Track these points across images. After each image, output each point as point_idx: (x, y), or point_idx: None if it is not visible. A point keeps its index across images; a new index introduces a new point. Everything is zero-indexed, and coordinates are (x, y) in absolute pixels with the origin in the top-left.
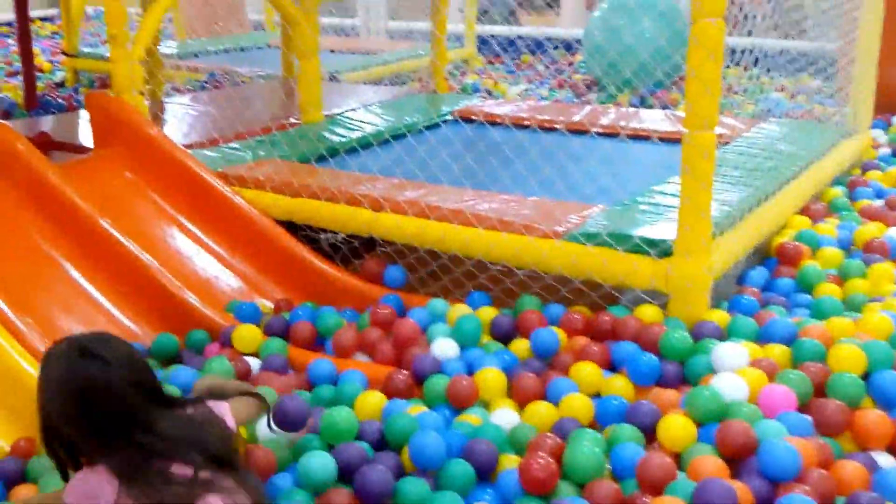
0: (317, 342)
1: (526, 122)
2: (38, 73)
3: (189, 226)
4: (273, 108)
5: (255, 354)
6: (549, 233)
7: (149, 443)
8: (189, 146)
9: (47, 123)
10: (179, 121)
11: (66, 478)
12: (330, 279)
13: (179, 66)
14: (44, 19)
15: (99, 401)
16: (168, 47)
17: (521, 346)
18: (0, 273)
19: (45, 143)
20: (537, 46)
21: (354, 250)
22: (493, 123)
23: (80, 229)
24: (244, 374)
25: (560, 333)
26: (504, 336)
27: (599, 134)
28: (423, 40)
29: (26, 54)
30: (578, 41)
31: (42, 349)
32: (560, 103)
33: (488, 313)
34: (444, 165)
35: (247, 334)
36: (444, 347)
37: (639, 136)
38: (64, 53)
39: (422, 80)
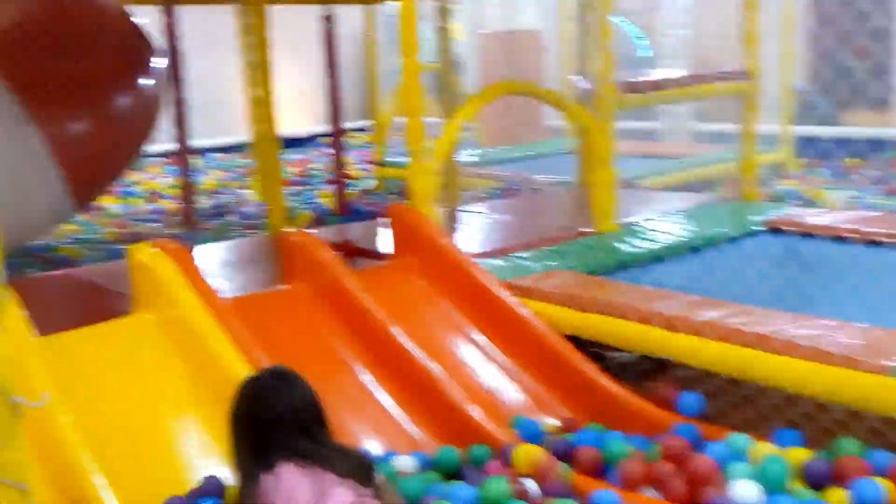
0: (602, 469)
1: (850, 236)
2: (350, 181)
3: (476, 336)
4: (566, 216)
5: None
6: (875, 367)
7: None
8: (480, 255)
9: (353, 230)
10: (473, 229)
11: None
12: (618, 401)
13: (479, 173)
14: (357, 130)
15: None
16: (469, 155)
17: (837, 496)
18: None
19: (349, 250)
20: (868, 148)
21: (646, 371)
22: (811, 236)
23: (373, 335)
24: (522, 497)
25: (887, 485)
26: (817, 483)
27: None
28: (733, 143)
29: (338, 164)
30: None
31: None
32: (894, 214)
33: (799, 455)
34: (751, 283)
35: (528, 454)
36: (746, 490)
37: None
38: (372, 162)
39: (729, 186)
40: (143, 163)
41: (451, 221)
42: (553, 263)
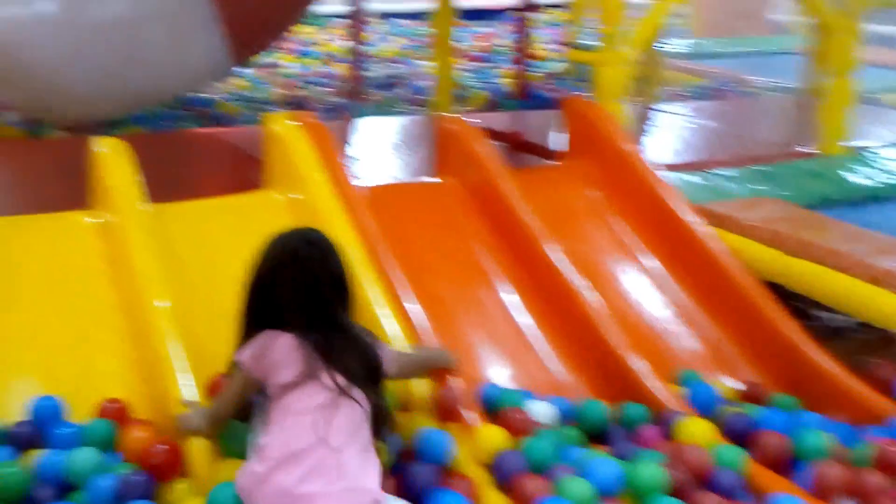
0: (788, 463)
1: None
2: (536, 62)
3: (651, 265)
4: (783, 130)
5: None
6: None
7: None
8: (672, 167)
9: (528, 119)
10: (668, 134)
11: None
12: (823, 374)
13: (685, 67)
14: (553, 6)
15: (312, 279)
16: (676, 45)
17: None
18: (427, 278)
19: (515, 143)
20: None
21: (865, 343)
22: None
23: (523, 249)
24: (681, 490)
25: None
26: None
27: None
28: None
29: (524, 41)
30: None
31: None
32: None
33: None
34: None
35: (696, 431)
36: None
37: None
38: (564, 43)
39: None
40: (327, 22)
41: (642, 122)
42: (761, 188)
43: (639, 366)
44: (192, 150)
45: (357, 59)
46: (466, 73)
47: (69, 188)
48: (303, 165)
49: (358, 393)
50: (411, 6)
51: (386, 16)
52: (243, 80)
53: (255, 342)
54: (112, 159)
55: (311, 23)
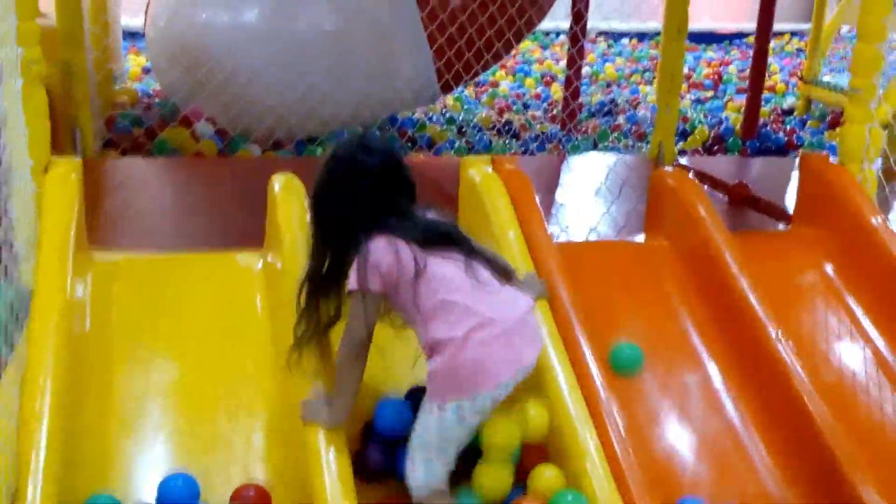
0: None
1: None
2: (769, 95)
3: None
4: None
5: None
6: None
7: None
8: None
9: (754, 167)
10: None
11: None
12: None
13: None
14: (794, 34)
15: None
16: None
17: None
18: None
19: (740, 198)
20: None
21: None
22: None
23: (740, 333)
24: None
25: None
26: None
27: None
28: None
29: (756, 73)
30: None
31: None
32: None
33: None
34: None
35: None
36: None
37: None
38: (801, 78)
39: None
40: (550, 40)
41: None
42: None
43: (873, 499)
44: None
45: (573, 81)
46: (691, 103)
47: (251, 216)
48: (495, 219)
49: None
50: (638, 25)
51: (610, 35)
52: (453, 98)
53: (356, 266)
54: (284, 199)
55: (533, 38)
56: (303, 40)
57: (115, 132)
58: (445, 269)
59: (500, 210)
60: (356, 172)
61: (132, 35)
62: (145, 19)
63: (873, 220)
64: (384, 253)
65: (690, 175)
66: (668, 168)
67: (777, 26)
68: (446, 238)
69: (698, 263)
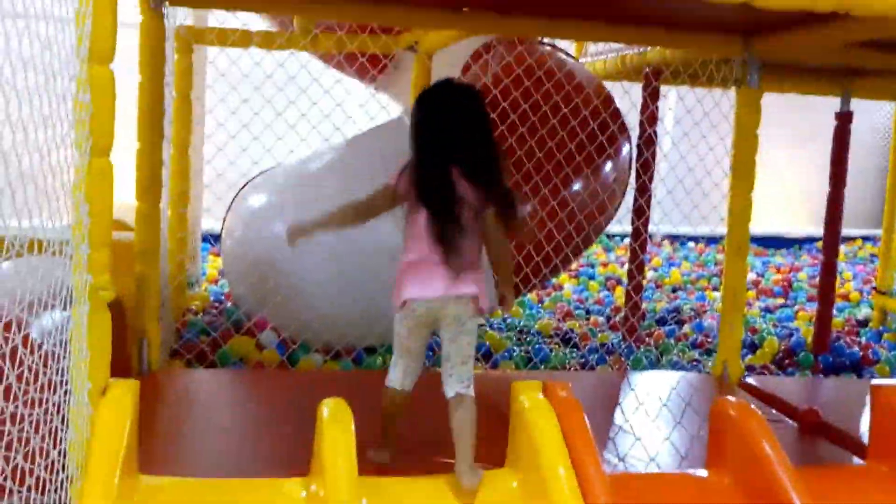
0: None
1: None
2: (842, 304)
3: None
4: None
5: None
6: None
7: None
8: None
9: (827, 388)
10: None
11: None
12: None
13: None
14: (866, 239)
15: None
16: None
17: None
18: None
19: (811, 426)
20: None
21: None
22: None
23: None
24: None
25: None
26: None
27: None
28: None
29: (826, 283)
30: None
31: None
32: None
33: None
34: None
35: None
36: None
37: None
38: (874, 288)
39: None
40: (615, 243)
41: None
42: None
43: None
44: (438, 397)
45: (636, 287)
46: (760, 312)
47: (303, 434)
48: (544, 451)
49: (468, 220)
50: (703, 229)
51: (676, 238)
52: (516, 303)
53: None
54: (330, 428)
55: (598, 241)
56: (366, 256)
57: (182, 342)
58: (417, 235)
59: (549, 442)
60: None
61: (216, 238)
62: (222, 227)
63: None
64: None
65: (753, 405)
66: (731, 398)
67: (847, 231)
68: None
69: (762, 500)
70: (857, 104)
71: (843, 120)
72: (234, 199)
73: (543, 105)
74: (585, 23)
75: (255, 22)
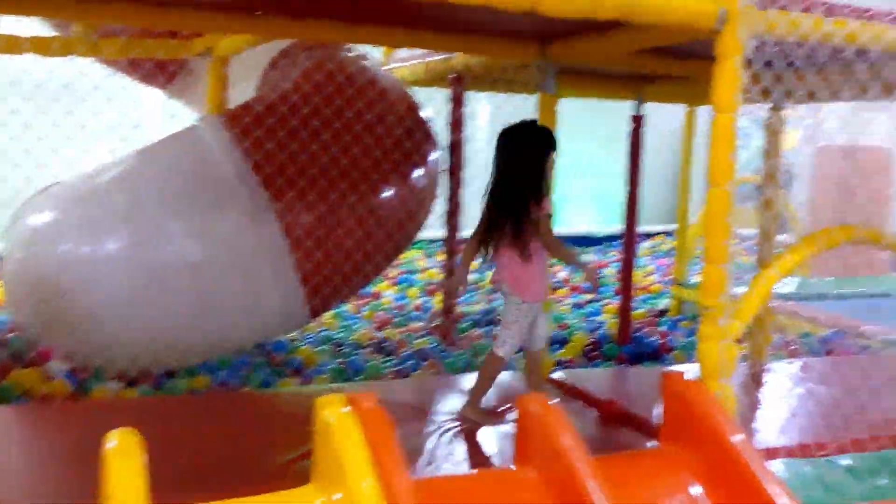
0: None
1: None
2: (646, 296)
3: None
4: None
5: None
6: None
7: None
8: (789, 451)
9: (628, 376)
10: (778, 402)
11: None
12: None
13: (796, 311)
14: (668, 234)
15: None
16: (785, 284)
17: None
18: None
19: (610, 414)
20: None
21: None
22: None
23: None
24: None
25: None
26: None
27: None
28: None
29: (626, 276)
30: None
31: None
32: None
33: None
34: None
35: None
36: None
37: None
38: (672, 280)
39: None
40: (434, 248)
41: (753, 392)
42: (883, 482)
43: None
44: (242, 420)
45: (448, 291)
46: (570, 308)
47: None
48: (348, 466)
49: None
50: None
51: None
52: (332, 311)
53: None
54: (118, 461)
55: (417, 247)
56: (164, 272)
57: None
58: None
59: (354, 456)
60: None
61: None
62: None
63: (734, 439)
64: None
65: (558, 399)
66: (532, 394)
67: (651, 227)
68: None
69: (566, 495)
70: (658, 107)
71: (638, 122)
72: (10, 220)
73: (346, 112)
74: (384, 28)
75: (28, 25)
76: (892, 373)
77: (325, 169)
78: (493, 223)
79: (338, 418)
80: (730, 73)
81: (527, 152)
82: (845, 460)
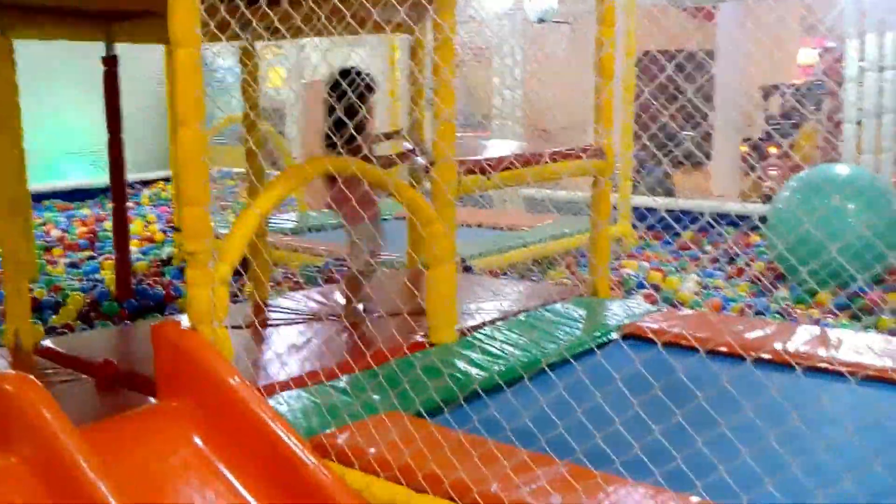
0: None
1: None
2: (149, 245)
3: None
4: (396, 319)
5: None
6: None
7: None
8: (286, 385)
9: (132, 334)
10: (283, 338)
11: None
12: None
13: (296, 245)
14: (167, 180)
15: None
16: (285, 220)
17: None
18: None
19: (110, 377)
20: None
21: None
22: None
23: None
24: None
25: None
26: None
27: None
28: (568, 213)
29: (119, 228)
30: (757, 219)
31: None
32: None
33: None
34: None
35: None
36: None
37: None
38: (172, 227)
39: (572, 271)
40: None
41: (256, 330)
42: (376, 397)
43: None
44: None
45: None
46: (65, 269)
47: None
48: None
49: None
50: None
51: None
52: None
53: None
54: None
55: None
56: None
57: None
58: None
59: None
60: None
61: None
62: None
63: (231, 382)
64: None
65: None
66: (4, 372)
67: (149, 174)
68: None
69: (53, 475)
70: (139, 49)
71: (110, 64)
72: None
73: None
74: None
75: None
76: (380, 291)
77: None
78: None
79: None
80: (185, 4)
81: None
82: (343, 381)
